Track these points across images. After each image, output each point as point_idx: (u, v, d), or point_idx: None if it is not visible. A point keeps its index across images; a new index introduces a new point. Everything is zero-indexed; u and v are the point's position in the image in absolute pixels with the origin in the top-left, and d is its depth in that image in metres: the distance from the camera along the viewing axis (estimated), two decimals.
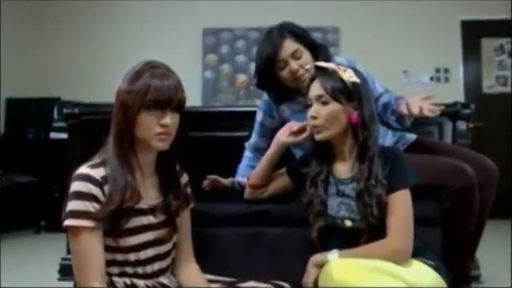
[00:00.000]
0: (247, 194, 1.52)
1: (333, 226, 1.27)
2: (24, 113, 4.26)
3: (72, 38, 4.82)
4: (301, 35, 1.59)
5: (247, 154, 1.80)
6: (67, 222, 1.06)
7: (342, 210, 1.27)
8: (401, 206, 1.20)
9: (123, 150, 1.13)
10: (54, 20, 4.84)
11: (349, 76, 1.26)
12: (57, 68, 4.75)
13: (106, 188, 1.09)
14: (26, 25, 4.63)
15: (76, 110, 2.07)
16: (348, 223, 1.25)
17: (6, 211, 3.33)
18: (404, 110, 1.41)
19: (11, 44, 4.39)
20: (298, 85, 1.60)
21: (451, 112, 2.00)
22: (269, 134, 1.75)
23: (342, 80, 1.26)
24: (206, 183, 1.67)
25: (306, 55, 1.58)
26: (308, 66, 1.38)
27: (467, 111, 1.99)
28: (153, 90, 1.11)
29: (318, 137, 1.28)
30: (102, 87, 4.58)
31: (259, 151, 1.77)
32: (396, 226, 1.18)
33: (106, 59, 4.72)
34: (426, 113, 1.35)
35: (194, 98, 4.62)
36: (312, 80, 1.31)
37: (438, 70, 4.65)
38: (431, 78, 4.65)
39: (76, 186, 1.07)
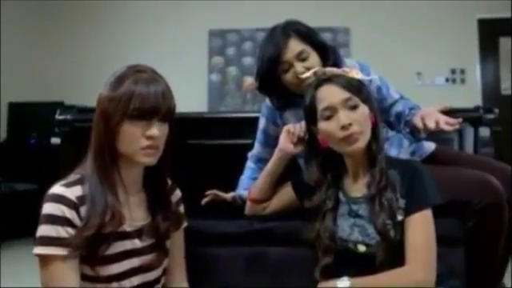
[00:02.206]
0: (248, 209, 1.39)
1: (344, 250, 1.12)
2: (26, 117, 4.19)
3: (75, 40, 4.74)
4: (307, 34, 1.44)
5: (250, 165, 1.65)
6: (36, 250, 0.93)
7: (354, 232, 1.11)
8: (421, 228, 1.05)
9: (104, 166, 1.00)
10: (57, 23, 4.77)
11: (356, 73, 1.13)
12: (60, 71, 4.68)
13: (83, 210, 0.96)
14: (29, 28, 4.57)
15: (69, 117, 1.94)
16: (361, 248, 1.10)
17: (4, 219, 3.23)
18: (418, 124, 1.27)
19: (14, 47, 4.32)
20: (303, 89, 1.46)
21: (473, 117, 1.83)
22: (273, 143, 1.60)
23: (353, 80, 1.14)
24: (205, 201, 1.53)
25: (314, 57, 1.43)
26: (309, 73, 1.23)
27: (491, 116, 1.81)
28: (137, 97, 0.98)
29: (356, 146, 1.10)
30: None
31: (263, 162, 1.62)
32: (416, 253, 1.03)
33: (110, 62, 4.60)
34: (444, 126, 1.21)
35: (199, 102, 4.52)
36: (318, 86, 1.15)
37: (453, 71, 4.46)
38: (446, 80, 4.46)
39: (47, 209, 0.94)
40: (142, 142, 0.99)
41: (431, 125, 1.22)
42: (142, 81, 1.00)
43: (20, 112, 4.27)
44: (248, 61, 4.64)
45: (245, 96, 4.62)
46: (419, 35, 4.43)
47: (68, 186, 0.98)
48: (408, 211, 1.06)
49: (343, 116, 1.08)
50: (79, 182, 0.99)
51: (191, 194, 1.31)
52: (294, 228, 1.36)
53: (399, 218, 1.06)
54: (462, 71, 4.46)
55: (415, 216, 1.06)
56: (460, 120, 1.22)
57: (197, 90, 4.57)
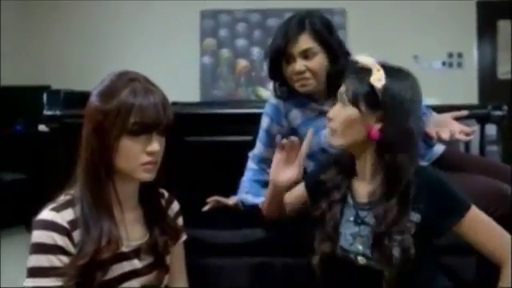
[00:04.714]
0: (266, 217, 1.29)
1: (344, 260, 1.06)
2: (12, 102, 3.99)
3: (62, 23, 4.54)
4: (322, 33, 1.36)
5: (251, 165, 1.57)
6: (28, 283, 0.85)
7: (356, 242, 1.05)
8: (486, 220, 1.04)
9: (98, 185, 0.92)
10: (43, 5, 4.52)
11: (377, 78, 1.00)
12: (47, 54, 4.49)
13: (76, 234, 0.88)
14: (14, 10, 4.34)
15: (57, 112, 1.83)
16: (362, 260, 1.04)
17: None
18: (431, 133, 1.22)
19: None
20: (298, 88, 1.40)
21: (480, 114, 1.77)
22: (276, 143, 1.53)
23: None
24: (206, 208, 1.46)
25: (320, 58, 1.35)
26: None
27: (499, 113, 1.75)
28: (137, 110, 0.90)
29: (331, 141, 1.08)
30: (96, 74, 4.31)
31: (265, 162, 1.55)
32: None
33: (98, 45, 4.47)
34: (459, 136, 1.16)
35: (191, 86, 4.40)
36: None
37: (450, 55, 4.39)
38: (443, 64, 4.39)
39: (37, 237, 0.86)
40: (143, 157, 0.92)
41: (445, 135, 1.16)
42: (139, 91, 0.91)
43: (5, 96, 4.09)
44: (241, 43, 4.50)
45: (238, 80, 4.50)
46: (417, 17, 4.33)
47: (58, 210, 0.89)
48: (455, 220, 1.01)
49: (332, 109, 1.07)
50: (70, 204, 0.91)
51: (189, 196, 1.24)
52: (299, 237, 1.31)
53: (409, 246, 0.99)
54: (460, 55, 4.39)
55: (469, 216, 1.01)
56: (474, 129, 1.16)
57: (188, 73, 4.44)
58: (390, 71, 1.03)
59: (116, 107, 0.89)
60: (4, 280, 2.25)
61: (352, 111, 1.02)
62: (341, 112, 1.04)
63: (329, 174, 1.12)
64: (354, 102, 1.01)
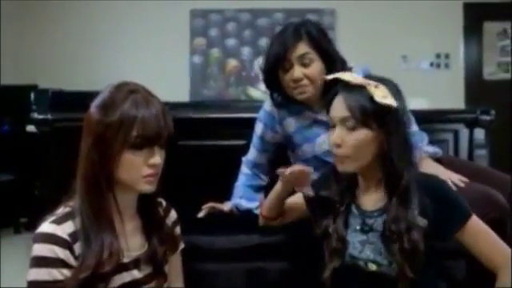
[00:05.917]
0: (261, 222, 1.29)
1: (353, 268, 1.07)
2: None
3: (50, 19, 4.46)
4: (318, 40, 1.37)
5: (245, 170, 1.59)
6: None
7: (366, 249, 1.06)
8: (485, 229, 1.06)
9: (98, 197, 0.92)
10: (33, 4, 4.44)
11: (382, 96, 0.98)
12: (34, 53, 4.41)
13: (77, 247, 0.88)
14: (3, 9, 4.24)
15: (49, 116, 1.81)
16: (372, 267, 1.05)
17: None
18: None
19: None
20: (296, 96, 1.40)
21: (468, 118, 1.81)
22: (270, 149, 1.55)
23: (372, 99, 0.99)
24: (201, 214, 1.47)
25: (317, 65, 1.36)
26: (329, 77, 1.07)
27: (487, 118, 1.79)
28: (139, 122, 0.90)
29: (341, 168, 1.05)
30: (84, 73, 4.30)
31: (258, 168, 1.57)
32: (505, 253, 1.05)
33: (87, 43, 4.41)
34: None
35: (181, 85, 4.38)
36: (334, 95, 1.05)
37: (438, 56, 4.45)
38: (431, 64, 4.45)
39: (38, 250, 0.86)
40: (144, 170, 0.92)
41: None
42: (140, 103, 0.91)
43: None
44: (231, 42, 4.50)
45: (228, 79, 4.50)
46: (405, 18, 4.37)
47: (58, 222, 0.89)
48: (459, 226, 1.04)
49: (336, 134, 1.02)
50: (70, 216, 0.91)
51: (183, 201, 1.24)
52: (295, 241, 1.33)
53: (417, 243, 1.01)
54: (447, 56, 4.45)
55: (470, 224, 1.04)
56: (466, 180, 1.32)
57: (178, 72, 4.42)
58: (380, 83, 1.03)
59: (118, 119, 0.89)
60: (4, 280, 2.25)
61: (364, 133, 1.00)
62: (350, 136, 1.01)
63: (329, 190, 1.12)
64: (365, 123, 1.00)
